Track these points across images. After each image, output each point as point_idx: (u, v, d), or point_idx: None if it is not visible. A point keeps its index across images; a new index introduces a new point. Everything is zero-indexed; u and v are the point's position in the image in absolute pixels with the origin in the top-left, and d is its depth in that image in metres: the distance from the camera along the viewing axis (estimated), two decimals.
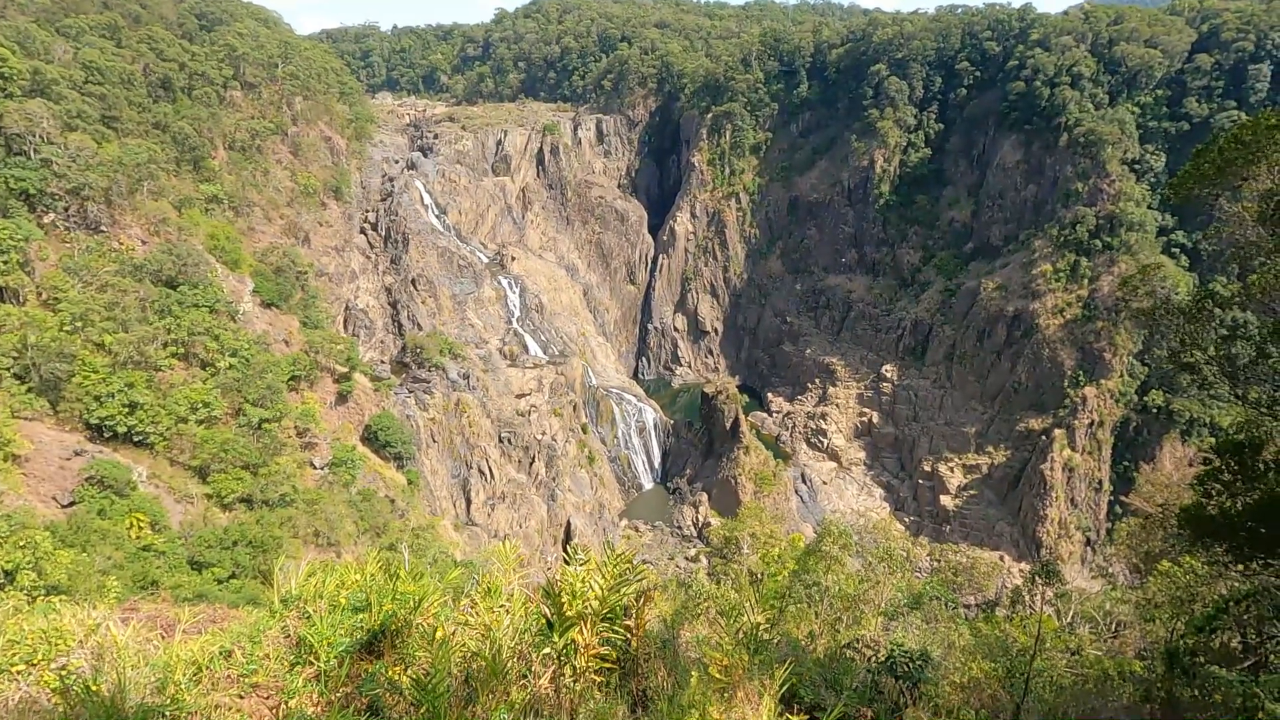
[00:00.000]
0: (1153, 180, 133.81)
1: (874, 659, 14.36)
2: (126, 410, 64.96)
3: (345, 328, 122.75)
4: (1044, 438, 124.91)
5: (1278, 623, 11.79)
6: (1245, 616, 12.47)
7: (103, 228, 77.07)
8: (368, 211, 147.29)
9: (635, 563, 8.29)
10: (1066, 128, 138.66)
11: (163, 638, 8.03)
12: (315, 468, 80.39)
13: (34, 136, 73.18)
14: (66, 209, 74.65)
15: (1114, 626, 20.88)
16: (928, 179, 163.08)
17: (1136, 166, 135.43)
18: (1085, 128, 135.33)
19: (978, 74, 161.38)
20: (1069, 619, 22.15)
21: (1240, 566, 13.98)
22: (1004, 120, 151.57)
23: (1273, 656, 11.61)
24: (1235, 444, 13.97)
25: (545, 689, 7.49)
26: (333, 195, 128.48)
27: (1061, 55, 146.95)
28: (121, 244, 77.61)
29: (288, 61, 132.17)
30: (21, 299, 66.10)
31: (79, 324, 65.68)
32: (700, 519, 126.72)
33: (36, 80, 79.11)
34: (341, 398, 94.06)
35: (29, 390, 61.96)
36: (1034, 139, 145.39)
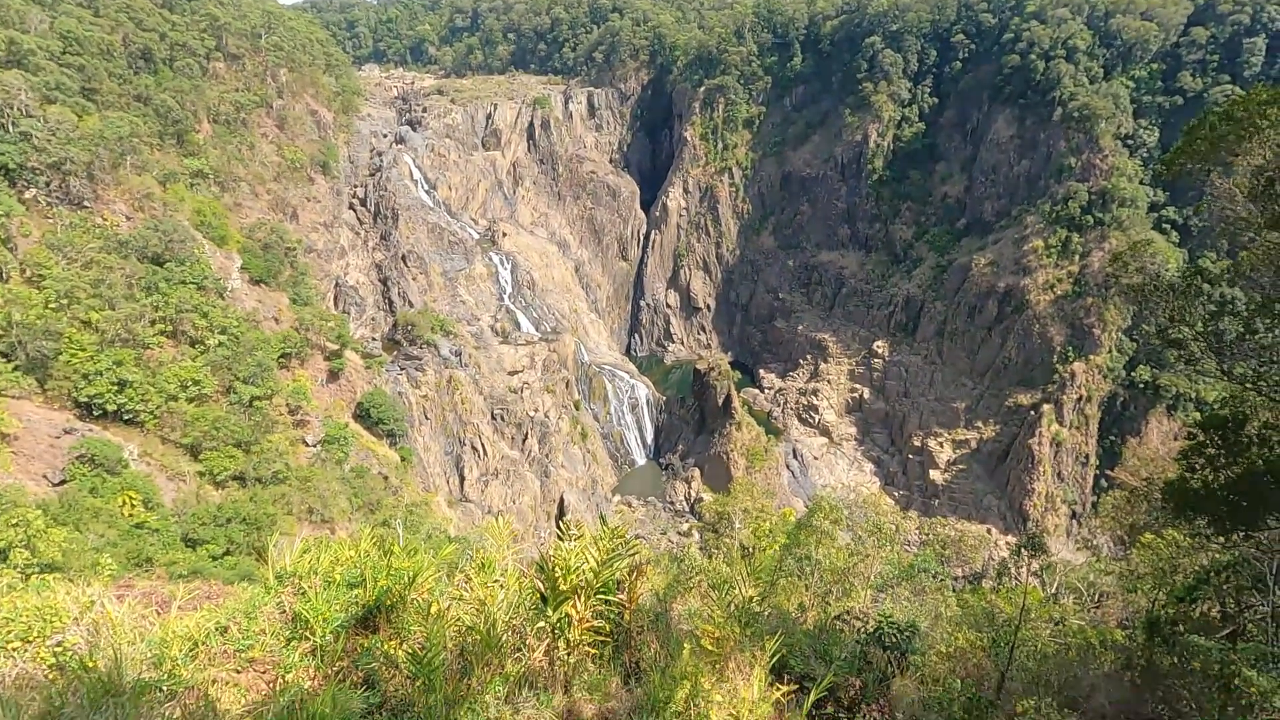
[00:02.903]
0: (1145, 156, 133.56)
1: (863, 630, 14.63)
2: (115, 388, 64.50)
3: (335, 304, 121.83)
4: (1032, 413, 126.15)
5: (1256, 593, 12.05)
6: (1225, 587, 12.74)
7: (86, 203, 75.74)
8: (356, 186, 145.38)
9: (628, 537, 8.37)
10: (1060, 102, 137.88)
11: (158, 614, 8.08)
12: (308, 445, 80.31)
13: (12, 109, 71.49)
14: (48, 184, 73.24)
15: (1097, 597, 21.31)
16: (921, 154, 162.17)
17: (1130, 141, 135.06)
18: (1079, 102, 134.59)
19: (973, 47, 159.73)
20: (1053, 590, 22.57)
21: (1221, 538, 14.25)
22: (998, 94, 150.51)
23: (1250, 625, 11.89)
24: (1220, 419, 14.16)
25: (539, 661, 7.60)
26: (320, 170, 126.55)
27: (1057, 28, 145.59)
28: (105, 220, 76.37)
29: (271, 32, 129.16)
30: (5, 276, 65.10)
31: (64, 301, 64.80)
32: (692, 494, 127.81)
33: (12, 51, 77.12)
34: (333, 375, 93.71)
35: (15, 368, 61.32)
36: (1028, 113, 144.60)
